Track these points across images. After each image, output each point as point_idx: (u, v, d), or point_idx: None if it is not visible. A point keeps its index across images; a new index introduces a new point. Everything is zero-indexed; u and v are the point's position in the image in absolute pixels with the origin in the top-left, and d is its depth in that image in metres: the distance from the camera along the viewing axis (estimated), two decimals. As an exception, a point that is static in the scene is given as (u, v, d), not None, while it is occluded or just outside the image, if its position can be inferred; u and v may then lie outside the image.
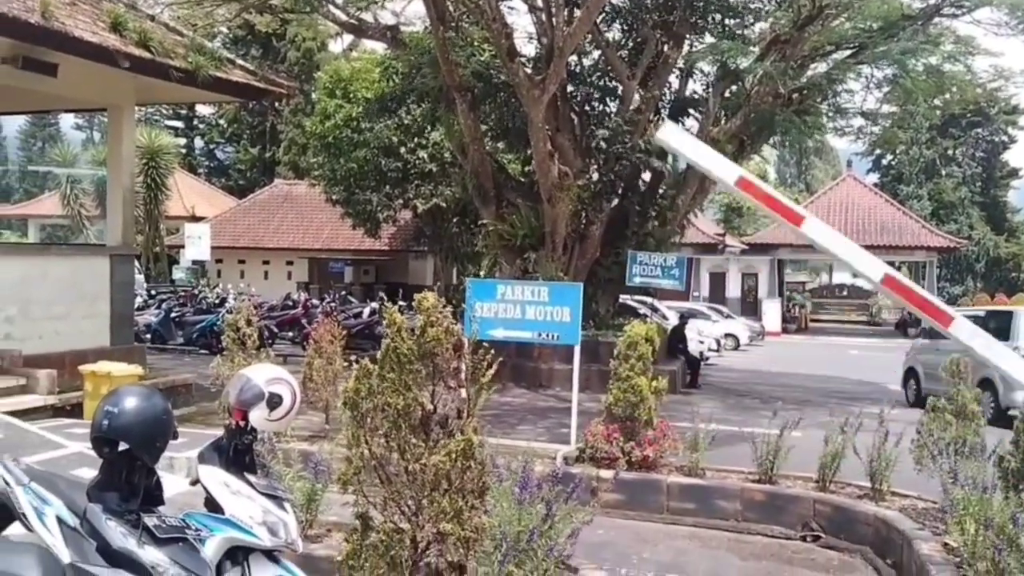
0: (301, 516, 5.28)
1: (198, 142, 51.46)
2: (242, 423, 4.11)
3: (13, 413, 8.81)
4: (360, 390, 3.39)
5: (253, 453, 4.24)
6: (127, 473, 3.72)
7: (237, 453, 4.10)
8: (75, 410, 9.76)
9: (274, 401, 4.15)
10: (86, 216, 34.49)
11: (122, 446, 3.71)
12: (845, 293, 49.74)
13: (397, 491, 3.35)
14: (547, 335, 9.07)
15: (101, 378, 9.42)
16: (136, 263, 25.97)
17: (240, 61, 13.82)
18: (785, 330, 37.69)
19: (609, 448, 7.98)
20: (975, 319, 11.78)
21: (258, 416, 4.12)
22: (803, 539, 7.36)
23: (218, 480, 4.02)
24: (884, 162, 55.80)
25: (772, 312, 37.12)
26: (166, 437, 3.82)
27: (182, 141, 47.31)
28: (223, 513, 3.92)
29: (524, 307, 8.88)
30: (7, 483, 3.79)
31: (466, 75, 15.94)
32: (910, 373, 16.63)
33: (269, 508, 3.98)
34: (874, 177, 51.68)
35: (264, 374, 4.26)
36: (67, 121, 74.63)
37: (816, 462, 7.76)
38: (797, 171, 74.62)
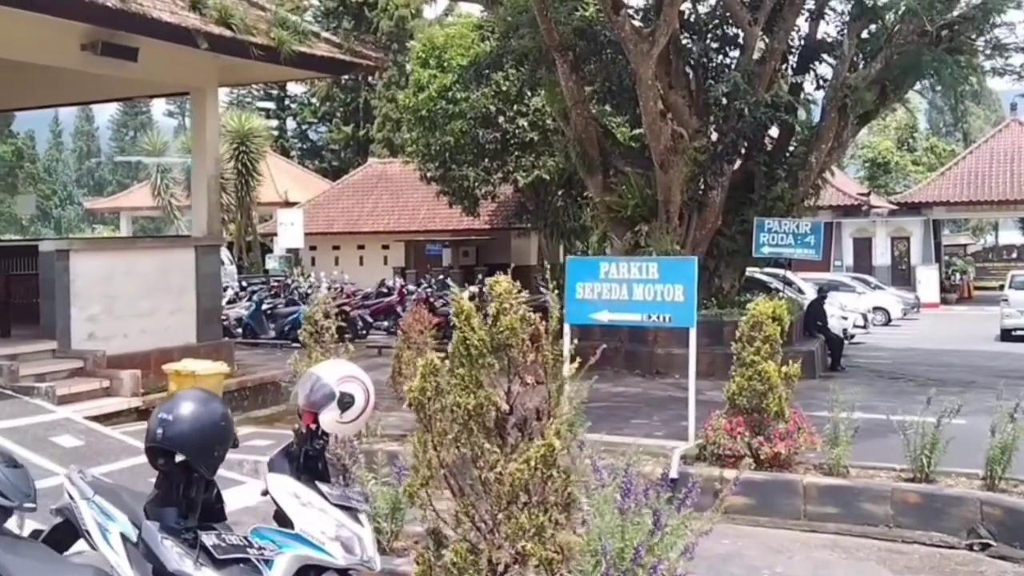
0: (385, 527, 5.21)
1: (290, 123, 52.77)
2: (312, 426, 4.06)
3: (96, 418, 9.13)
4: (426, 389, 3.23)
5: (325, 459, 4.18)
6: (184, 486, 3.71)
7: (308, 459, 4.05)
8: (160, 413, 10.04)
9: (346, 401, 4.06)
10: (177, 206, 35.92)
11: (178, 457, 3.69)
12: (1015, 255, 47.03)
13: (471, 504, 3.19)
14: (658, 317, 8.81)
15: (185, 377, 9.67)
16: (228, 253, 26.83)
17: (326, 34, 13.93)
18: (944, 301, 35.99)
19: (733, 444, 7.71)
20: None
21: (329, 418, 4.06)
22: (969, 548, 6.90)
23: (287, 491, 3.98)
24: (1056, 103, 52.22)
25: (928, 281, 35.50)
26: (224, 445, 3.79)
27: (273, 123, 48.67)
28: (293, 527, 3.87)
29: (631, 286, 8.63)
30: (72, 497, 3.83)
31: (567, 33, 15.73)
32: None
33: (343, 521, 3.92)
34: (1044, 121, 48.40)
35: (335, 372, 4.19)
36: (159, 107, 78.17)
37: (983, 455, 7.28)
38: (952, 119, 70.92)
